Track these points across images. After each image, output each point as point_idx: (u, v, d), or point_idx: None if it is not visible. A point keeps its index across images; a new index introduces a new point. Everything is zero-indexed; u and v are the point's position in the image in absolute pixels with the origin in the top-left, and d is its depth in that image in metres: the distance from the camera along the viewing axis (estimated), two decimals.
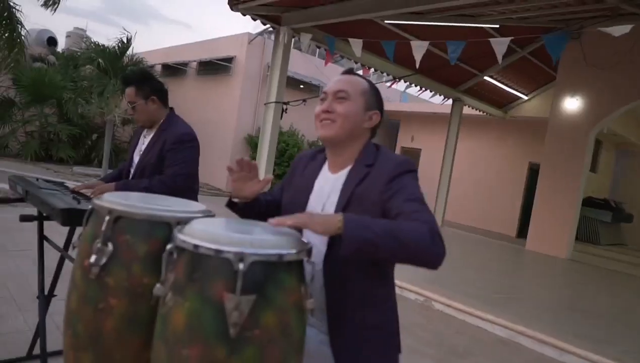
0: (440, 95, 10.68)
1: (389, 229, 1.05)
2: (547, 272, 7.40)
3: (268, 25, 7.29)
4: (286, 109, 6.88)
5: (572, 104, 8.73)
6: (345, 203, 1.23)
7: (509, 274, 6.75)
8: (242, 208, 1.39)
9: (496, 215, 13.09)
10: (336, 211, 1.23)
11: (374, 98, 1.35)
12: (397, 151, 16.23)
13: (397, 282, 4.67)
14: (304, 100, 7.00)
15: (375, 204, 1.19)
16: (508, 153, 13.23)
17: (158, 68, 16.01)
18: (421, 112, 14.83)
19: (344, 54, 8.05)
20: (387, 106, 15.83)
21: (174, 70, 15.50)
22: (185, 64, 14.95)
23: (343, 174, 1.30)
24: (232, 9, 6.79)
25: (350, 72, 1.38)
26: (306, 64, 13.27)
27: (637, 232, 12.72)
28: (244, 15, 6.93)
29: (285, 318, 1.02)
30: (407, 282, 4.84)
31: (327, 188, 1.30)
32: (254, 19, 7.06)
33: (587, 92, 8.57)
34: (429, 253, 1.05)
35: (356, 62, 8.91)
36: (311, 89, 13.55)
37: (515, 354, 3.67)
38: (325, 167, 1.36)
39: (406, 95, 17.13)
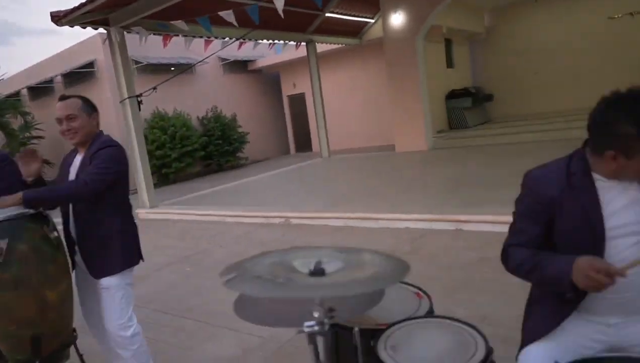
0: (292, 42, 11.53)
1: (48, 190, 2.07)
2: (390, 165, 8.76)
3: (100, 29, 7.68)
4: (141, 101, 7.44)
5: (396, 19, 9.95)
6: (79, 169, 2.18)
7: (351, 179, 8.04)
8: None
9: (376, 132, 14.52)
10: (77, 174, 2.17)
11: (89, 106, 2.25)
12: (284, 99, 17.14)
13: (253, 213, 5.68)
14: (155, 88, 7.58)
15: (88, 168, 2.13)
16: (373, 74, 14.49)
17: (24, 92, 15.51)
18: (294, 58, 15.63)
19: (183, 33, 8.61)
20: (263, 62, 16.61)
21: (41, 90, 15.05)
22: (50, 81, 14.59)
23: (82, 154, 2.22)
24: (57, 25, 7.13)
25: (65, 97, 2.23)
26: (173, 46, 13.50)
27: (499, 107, 14.60)
28: (72, 27, 7.27)
29: (35, 244, 1.93)
30: (271, 211, 5.92)
31: (77, 162, 2.24)
32: (84, 27, 7.43)
33: (406, 4, 9.80)
34: (67, 196, 2.07)
35: (201, 37, 9.45)
36: (182, 68, 13.92)
37: (338, 234, 4.84)
38: (79, 154, 2.27)
39: (279, 47, 17.81)
